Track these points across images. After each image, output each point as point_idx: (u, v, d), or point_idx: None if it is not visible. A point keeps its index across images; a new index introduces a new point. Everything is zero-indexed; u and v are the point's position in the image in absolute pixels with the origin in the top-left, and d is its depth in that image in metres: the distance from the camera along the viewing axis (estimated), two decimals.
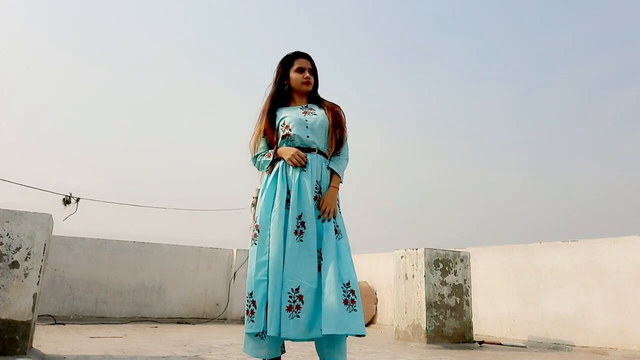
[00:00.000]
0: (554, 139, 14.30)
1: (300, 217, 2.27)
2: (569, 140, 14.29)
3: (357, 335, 2.15)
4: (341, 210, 2.42)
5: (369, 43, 15.48)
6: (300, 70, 2.49)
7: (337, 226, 2.33)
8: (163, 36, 15.24)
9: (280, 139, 2.42)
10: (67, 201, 7.17)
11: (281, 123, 2.43)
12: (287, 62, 2.53)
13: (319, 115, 2.46)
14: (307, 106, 2.52)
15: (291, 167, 2.36)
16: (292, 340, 2.19)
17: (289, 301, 2.15)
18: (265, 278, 2.20)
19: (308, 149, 2.39)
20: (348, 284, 2.15)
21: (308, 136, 2.40)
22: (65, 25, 14.04)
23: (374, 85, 15.64)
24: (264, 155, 2.44)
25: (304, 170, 2.35)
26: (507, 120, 15.31)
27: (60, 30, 14.23)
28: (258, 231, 2.30)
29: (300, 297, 2.14)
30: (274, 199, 2.31)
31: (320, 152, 2.42)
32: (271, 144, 2.44)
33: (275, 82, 2.55)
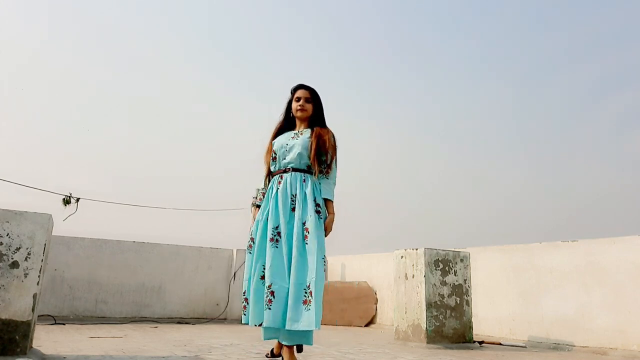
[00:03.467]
0: (554, 138, 14.30)
1: (277, 227, 2.72)
2: (569, 140, 14.29)
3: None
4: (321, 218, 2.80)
5: (368, 43, 15.48)
6: (297, 99, 2.91)
7: (308, 235, 2.68)
8: (163, 35, 15.23)
9: (271, 159, 2.93)
10: (67, 201, 7.17)
11: (273, 146, 2.93)
12: (292, 94, 2.97)
13: (300, 139, 2.85)
14: (300, 131, 2.92)
15: (274, 187, 2.82)
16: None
17: (267, 295, 2.60)
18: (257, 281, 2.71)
19: (284, 170, 2.83)
20: (308, 286, 2.58)
21: (284, 158, 2.84)
22: (65, 24, 14.03)
23: (374, 85, 15.63)
24: (262, 193, 3.02)
25: (279, 188, 2.79)
26: (507, 120, 15.31)
27: (60, 29, 14.22)
28: (253, 242, 2.81)
29: (272, 293, 2.58)
30: (262, 216, 2.82)
31: (295, 170, 2.81)
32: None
33: (284, 111, 3.03)
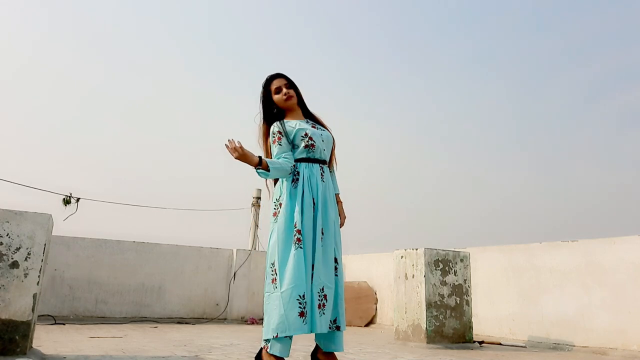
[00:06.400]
0: (554, 139, 14.31)
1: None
2: (569, 140, 14.31)
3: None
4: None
5: (368, 44, 15.49)
6: (278, 90, 2.61)
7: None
8: (163, 35, 15.25)
9: (301, 147, 2.53)
10: (67, 201, 7.16)
11: (302, 134, 2.53)
12: (266, 89, 2.65)
13: (326, 133, 2.64)
14: (307, 121, 2.65)
15: (315, 178, 2.50)
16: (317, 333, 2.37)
17: (319, 300, 2.33)
18: (310, 281, 2.35)
19: (324, 162, 2.58)
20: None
21: (324, 149, 2.58)
22: (64, 23, 14.04)
23: (373, 85, 15.65)
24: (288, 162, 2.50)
25: (323, 181, 2.52)
26: (506, 120, 15.32)
27: (59, 29, 14.23)
28: (301, 235, 2.39)
29: (325, 297, 2.35)
30: (303, 206, 2.43)
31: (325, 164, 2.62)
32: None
33: (262, 108, 2.66)
